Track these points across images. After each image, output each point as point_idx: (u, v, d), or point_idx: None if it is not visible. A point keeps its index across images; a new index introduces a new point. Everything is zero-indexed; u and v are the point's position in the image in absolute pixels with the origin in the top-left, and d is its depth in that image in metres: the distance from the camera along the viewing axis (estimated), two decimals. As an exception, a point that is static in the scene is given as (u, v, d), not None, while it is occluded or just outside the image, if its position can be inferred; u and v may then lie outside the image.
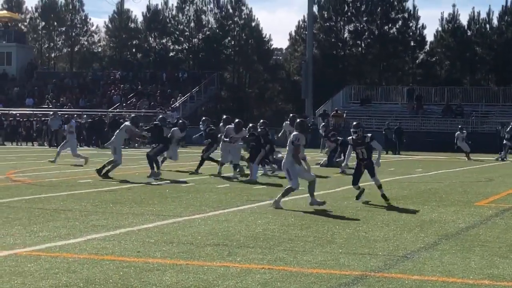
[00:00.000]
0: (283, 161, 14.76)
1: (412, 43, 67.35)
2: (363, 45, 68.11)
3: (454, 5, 76.87)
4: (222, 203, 14.70)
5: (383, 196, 15.30)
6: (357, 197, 15.38)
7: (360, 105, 57.44)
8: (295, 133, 14.44)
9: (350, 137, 16.07)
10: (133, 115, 22.64)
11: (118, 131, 21.86)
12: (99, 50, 75.73)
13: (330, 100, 57.48)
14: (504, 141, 36.58)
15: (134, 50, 72.99)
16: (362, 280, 7.91)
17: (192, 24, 70.72)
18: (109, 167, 20.93)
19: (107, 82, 63.95)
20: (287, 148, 14.48)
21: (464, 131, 38.14)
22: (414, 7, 67.38)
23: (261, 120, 23.54)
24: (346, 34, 68.24)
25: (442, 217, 12.97)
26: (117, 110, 55.61)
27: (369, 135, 15.84)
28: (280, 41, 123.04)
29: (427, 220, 12.56)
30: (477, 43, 64.61)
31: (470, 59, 63.95)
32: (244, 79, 72.19)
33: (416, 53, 68.07)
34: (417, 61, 68.32)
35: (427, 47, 67.63)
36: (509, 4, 64.04)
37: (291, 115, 27.20)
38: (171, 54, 71.63)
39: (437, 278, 7.98)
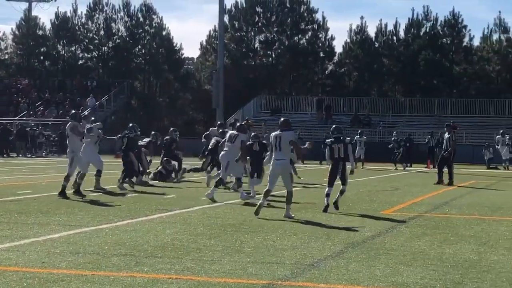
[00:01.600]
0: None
1: (321, 54, 68.13)
2: (273, 55, 68.58)
3: (362, 17, 78.16)
4: (130, 213, 14.56)
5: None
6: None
7: (271, 114, 57.83)
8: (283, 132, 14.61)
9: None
10: (73, 111, 20.46)
11: (68, 138, 18.83)
12: (6, 57, 74.13)
13: (241, 109, 57.68)
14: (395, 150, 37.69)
15: (42, 57, 71.65)
16: (269, 288, 7.96)
17: (101, 32, 69.90)
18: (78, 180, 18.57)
19: (13, 90, 62.75)
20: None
21: (364, 137, 39.30)
22: (324, 18, 68.24)
23: (171, 128, 23.57)
24: (257, 44, 68.60)
25: (349, 226, 13.14)
26: (24, 118, 54.63)
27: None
28: (191, 50, 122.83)
29: (334, 229, 12.70)
30: (384, 54, 65.77)
31: (378, 71, 65.06)
32: (155, 88, 71.74)
33: (325, 64, 68.91)
34: (326, 71, 69.14)
35: (336, 58, 68.51)
36: (415, 16, 65.51)
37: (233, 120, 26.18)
38: (80, 62, 70.70)
39: (343, 286, 8.09)
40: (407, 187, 23.62)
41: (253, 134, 19.75)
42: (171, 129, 26.54)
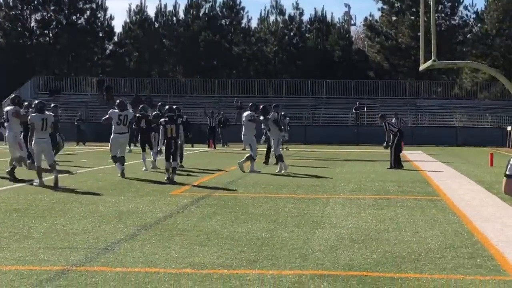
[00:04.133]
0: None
1: (100, 34, 67.20)
2: (51, 35, 66.76)
3: (141, -3, 77.83)
4: None
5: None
6: None
7: (49, 96, 56.38)
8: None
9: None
10: (12, 95, 19.52)
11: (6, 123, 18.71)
12: None
13: (18, 90, 55.72)
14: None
15: None
16: (64, 275, 7.67)
17: None
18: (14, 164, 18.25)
19: None
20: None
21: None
22: (102, -3, 67.32)
23: None
24: (33, 23, 66.49)
25: (139, 208, 13.00)
26: None
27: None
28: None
29: (125, 211, 12.52)
30: (164, 35, 65.87)
31: (158, 51, 65.06)
32: None
33: (105, 44, 68.07)
34: (106, 52, 68.31)
35: (116, 38, 67.84)
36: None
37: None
38: None
39: (140, 269, 7.94)
40: (194, 168, 23.71)
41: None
42: None
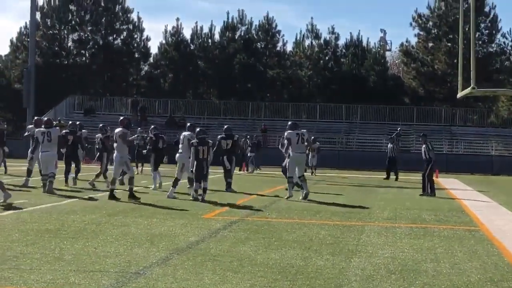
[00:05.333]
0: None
1: (136, 55, 67.55)
2: (87, 54, 67.23)
3: (178, 19, 78.07)
4: None
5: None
6: None
7: (84, 115, 56.65)
8: None
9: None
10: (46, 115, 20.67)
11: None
12: None
13: (53, 109, 56.16)
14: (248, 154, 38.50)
15: None
16: (95, 300, 7.54)
17: None
18: None
19: None
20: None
21: (318, 143, 38.82)
22: (139, 18, 67.75)
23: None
24: (70, 43, 67.01)
25: (172, 231, 12.84)
26: None
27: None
28: (0, 47, 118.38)
29: (157, 234, 12.36)
30: (199, 57, 66.01)
31: (193, 73, 65.18)
32: (-39, 86, 68.53)
33: (141, 64, 68.40)
34: (141, 72, 68.62)
35: (151, 59, 68.12)
36: (230, 20, 66.18)
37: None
38: None
39: (172, 295, 7.79)
40: (225, 191, 23.53)
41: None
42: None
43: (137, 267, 9.31)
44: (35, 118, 24.07)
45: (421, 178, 24.39)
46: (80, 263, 9.46)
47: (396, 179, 33.50)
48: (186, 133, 20.97)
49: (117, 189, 19.38)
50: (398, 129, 45.83)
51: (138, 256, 10.18)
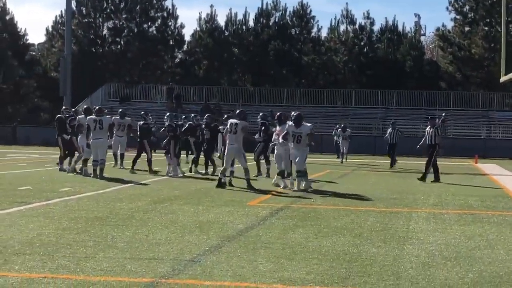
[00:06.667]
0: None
1: (171, 42, 67.61)
2: (122, 42, 67.45)
3: (212, 6, 78.17)
4: (-14, 206, 13.72)
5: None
6: None
7: (120, 103, 56.85)
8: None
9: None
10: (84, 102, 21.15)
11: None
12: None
13: (89, 97, 56.45)
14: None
15: None
16: (154, 287, 7.52)
17: None
18: None
19: None
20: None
21: (348, 130, 37.67)
22: (173, 6, 67.93)
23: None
24: (105, 31, 67.27)
25: (219, 218, 12.82)
26: None
27: None
28: (36, 36, 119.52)
29: (205, 221, 12.35)
30: (234, 43, 65.92)
31: (228, 60, 65.13)
32: (-2, 75, 69.06)
33: (175, 52, 68.46)
34: (176, 60, 68.70)
35: (186, 46, 68.16)
36: (264, 6, 66.00)
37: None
38: None
39: (230, 283, 7.74)
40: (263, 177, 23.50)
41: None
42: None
43: (191, 255, 9.30)
44: (85, 107, 24.47)
45: (425, 164, 23.47)
46: (133, 251, 9.47)
47: (392, 164, 32.02)
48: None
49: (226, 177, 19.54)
50: (443, 114, 45.43)
51: (190, 243, 10.17)
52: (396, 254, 9.70)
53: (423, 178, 22.98)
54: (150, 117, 25.73)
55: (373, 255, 9.58)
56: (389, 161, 32.31)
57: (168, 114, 25.27)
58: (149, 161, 24.28)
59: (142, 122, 24.94)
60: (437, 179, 22.81)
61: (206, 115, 24.83)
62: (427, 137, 23.39)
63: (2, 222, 11.70)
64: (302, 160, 18.70)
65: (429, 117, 24.74)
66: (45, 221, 11.89)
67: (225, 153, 19.29)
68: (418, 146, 24.48)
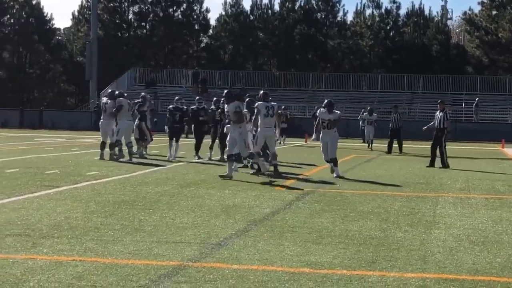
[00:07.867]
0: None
1: (196, 27, 67.67)
2: (148, 27, 67.57)
3: (237, -10, 78.01)
4: (15, 189, 13.81)
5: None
6: None
7: (145, 87, 57.03)
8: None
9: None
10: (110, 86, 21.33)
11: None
12: None
13: (115, 82, 56.65)
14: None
15: None
16: (181, 270, 7.54)
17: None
18: None
19: None
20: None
21: (375, 114, 36.92)
22: (199, -10, 67.77)
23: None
24: (130, 16, 67.42)
25: (246, 202, 12.84)
26: None
27: None
28: (62, 20, 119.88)
29: (231, 205, 12.38)
30: (259, 28, 65.87)
31: (253, 44, 65.09)
32: (24, 59, 69.48)
33: (201, 36, 68.53)
34: (201, 44, 68.74)
35: (211, 31, 68.19)
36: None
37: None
38: None
39: (257, 267, 7.75)
40: (292, 162, 23.50)
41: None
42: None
43: (217, 239, 9.32)
44: (110, 91, 25.06)
45: (431, 149, 22.82)
46: (160, 234, 9.51)
47: (400, 151, 31.03)
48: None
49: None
50: (476, 99, 45.08)
51: (217, 227, 10.19)
52: (423, 238, 9.67)
53: (443, 164, 22.46)
54: (183, 101, 25.42)
55: (400, 239, 9.56)
56: (389, 149, 31.16)
57: (197, 98, 25.22)
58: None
59: (194, 107, 24.48)
60: (444, 165, 22.44)
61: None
62: (436, 121, 22.95)
63: (30, 205, 11.78)
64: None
65: (439, 100, 24.12)
66: (72, 205, 11.97)
67: (257, 137, 18.17)
68: (425, 128, 23.93)
